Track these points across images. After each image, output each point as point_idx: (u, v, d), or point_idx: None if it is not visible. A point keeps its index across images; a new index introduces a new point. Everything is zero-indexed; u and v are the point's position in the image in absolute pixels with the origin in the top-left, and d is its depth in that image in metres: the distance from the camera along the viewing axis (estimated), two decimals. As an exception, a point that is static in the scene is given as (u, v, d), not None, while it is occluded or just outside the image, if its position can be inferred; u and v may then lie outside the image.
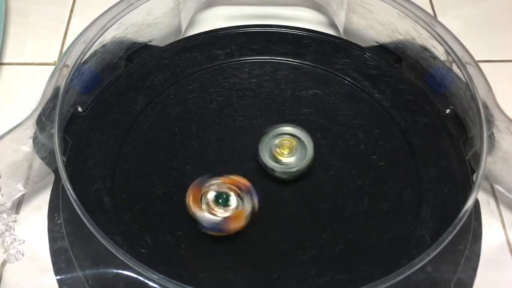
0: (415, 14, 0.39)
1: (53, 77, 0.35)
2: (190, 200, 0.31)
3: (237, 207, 0.31)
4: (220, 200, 0.31)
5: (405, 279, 0.28)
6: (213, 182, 0.32)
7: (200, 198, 0.31)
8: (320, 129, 0.37)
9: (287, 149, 0.34)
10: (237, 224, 0.31)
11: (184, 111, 0.38)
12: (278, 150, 0.34)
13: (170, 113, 0.38)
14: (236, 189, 0.32)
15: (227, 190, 0.32)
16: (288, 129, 0.35)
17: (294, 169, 0.33)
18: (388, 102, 0.38)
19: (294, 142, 0.34)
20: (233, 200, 0.31)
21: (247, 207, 0.31)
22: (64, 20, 0.46)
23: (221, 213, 0.31)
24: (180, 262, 0.31)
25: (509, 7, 0.48)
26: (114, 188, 0.33)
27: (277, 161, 0.34)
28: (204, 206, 0.31)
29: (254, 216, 0.31)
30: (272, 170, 0.33)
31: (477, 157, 0.33)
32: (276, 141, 0.34)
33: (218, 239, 0.32)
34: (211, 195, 0.31)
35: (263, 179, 0.34)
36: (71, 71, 0.35)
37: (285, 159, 0.34)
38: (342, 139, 0.36)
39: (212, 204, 0.31)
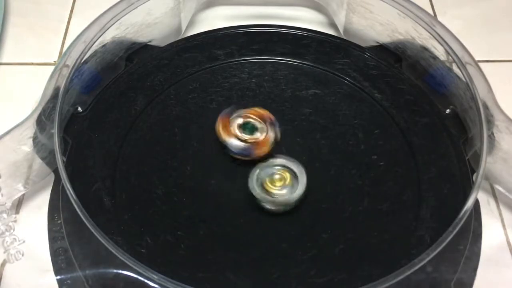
0: (415, 14, 0.39)
1: (53, 77, 0.35)
2: (220, 128, 0.34)
3: (262, 135, 0.34)
4: (247, 128, 0.34)
5: (405, 279, 0.28)
6: (239, 112, 0.34)
7: (228, 126, 0.34)
8: (320, 129, 0.37)
9: (279, 182, 0.33)
10: (263, 150, 0.33)
11: (184, 111, 0.38)
12: (269, 182, 0.33)
13: (170, 113, 0.38)
14: (260, 119, 0.34)
15: (253, 120, 0.34)
16: (281, 161, 0.34)
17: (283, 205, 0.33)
18: (388, 102, 0.38)
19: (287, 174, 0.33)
20: (259, 128, 0.34)
21: (271, 135, 0.34)
22: (64, 20, 0.46)
23: (247, 140, 0.33)
24: (180, 262, 0.31)
25: (509, 7, 0.48)
26: (114, 188, 0.33)
27: (268, 193, 0.33)
28: (232, 133, 0.34)
29: (276, 144, 0.34)
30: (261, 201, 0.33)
31: (477, 157, 0.33)
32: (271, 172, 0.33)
33: (218, 239, 0.32)
34: (239, 123, 0.34)
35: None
36: (71, 71, 0.35)
37: (276, 191, 0.33)
38: (342, 139, 0.36)
39: (240, 132, 0.34)
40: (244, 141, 0.33)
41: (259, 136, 0.34)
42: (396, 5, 0.39)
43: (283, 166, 0.33)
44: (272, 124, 0.34)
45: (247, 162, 0.34)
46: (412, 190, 0.34)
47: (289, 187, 0.33)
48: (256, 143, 0.33)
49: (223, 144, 0.34)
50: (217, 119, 0.34)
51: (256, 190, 0.32)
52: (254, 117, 0.34)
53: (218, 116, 0.34)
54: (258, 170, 0.33)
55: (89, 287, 0.29)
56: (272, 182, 0.33)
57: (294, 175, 0.33)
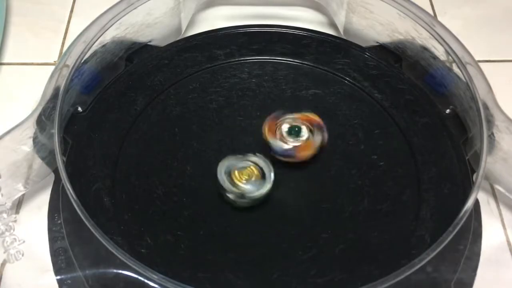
0: (415, 14, 0.39)
1: (53, 77, 0.35)
2: (266, 130, 0.34)
3: (307, 139, 0.34)
4: (292, 132, 0.34)
5: (405, 279, 0.28)
6: (288, 116, 0.35)
7: (275, 129, 0.34)
8: (320, 129, 0.37)
9: (246, 176, 0.33)
10: (306, 153, 0.34)
11: (184, 111, 0.38)
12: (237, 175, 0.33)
13: (170, 113, 0.38)
14: (308, 124, 0.34)
15: (299, 124, 0.34)
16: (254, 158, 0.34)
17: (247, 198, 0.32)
18: (388, 102, 0.38)
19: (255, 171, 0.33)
20: (305, 132, 0.34)
21: (317, 139, 0.34)
22: (64, 20, 0.46)
23: (292, 143, 0.34)
24: (180, 262, 0.31)
25: (509, 7, 0.48)
26: (114, 188, 0.33)
27: (232, 184, 0.32)
28: (278, 136, 0.34)
29: (322, 148, 0.34)
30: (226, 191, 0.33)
31: (477, 157, 0.33)
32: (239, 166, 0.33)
33: (218, 239, 0.32)
34: (285, 127, 0.34)
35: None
36: (71, 71, 0.35)
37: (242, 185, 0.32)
38: (342, 139, 0.36)
39: (285, 135, 0.34)
40: (287, 143, 0.34)
41: (304, 140, 0.34)
42: (396, 5, 0.39)
43: (255, 163, 0.33)
44: (320, 128, 0.34)
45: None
46: (412, 190, 0.34)
47: (254, 184, 0.32)
48: (299, 146, 0.34)
49: (268, 146, 0.34)
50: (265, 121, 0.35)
51: (223, 179, 0.32)
52: (302, 120, 0.34)
53: (267, 118, 0.35)
54: (228, 161, 0.33)
55: (89, 287, 0.29)
56: (240, 174, 0.32)
57: (262, 174, 0.33)
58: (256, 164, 0.33)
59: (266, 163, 0.33)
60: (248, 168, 0.33)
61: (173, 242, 0.32)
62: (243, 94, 0.39)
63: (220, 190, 0.33)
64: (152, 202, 0.33)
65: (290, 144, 0.34)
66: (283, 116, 0.35)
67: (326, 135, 0.34)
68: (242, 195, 0.32)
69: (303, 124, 0.34)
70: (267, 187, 0.32)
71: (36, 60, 0.43)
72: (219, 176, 0.32)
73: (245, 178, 0.32)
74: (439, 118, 0.37)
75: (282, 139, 0.34)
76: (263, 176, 0.33)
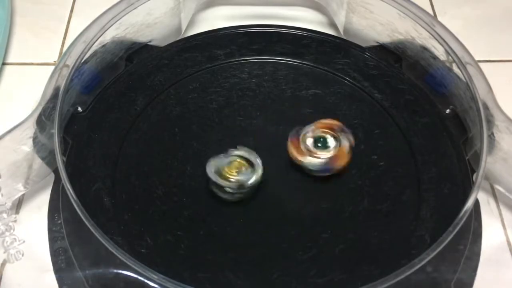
0: (415, 14, 0.39)
1: (53, 77, 0.35)
2: (292, 150, 0.33)
3: (336, 146, 0.33)
4: (319, 144, 0.33)
5: (405, 279, 0.28)
6: (308, 129, 0.34)
7: (300, 146, 0.33)
8: (320, 129, 0.37)
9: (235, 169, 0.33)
10: (342, 162, 0.33)
11: (184, 111, 0.38)
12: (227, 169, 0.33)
13: (170, 113, 0.38)
14: (329, 130, 0.33)
15: (322, 134, 0.33)
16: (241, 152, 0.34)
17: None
18: (388, 102, 0.38)
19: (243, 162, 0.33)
20: (331, 141, 0.33)
21: (345, 144, 0.33)
22: (64, 20, 0.46)
23: (323, 155, 0.33)
24: (180, 262, 0.31)
25: (509, 7, 0.48)
26: (114, 188, 0.33)
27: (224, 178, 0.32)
28: (306, 153, 0.33)
29: (352, 150, 0.33)
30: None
31: (477, 157, 0.33)
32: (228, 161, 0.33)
33: (218, 239, 0.32)
34: (309, 141, 0.33)
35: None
36: (71, 71, 0.35)
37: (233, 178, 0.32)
38: (342, 139, 0.36)
39: (312, 149, 0.33)
40: (320, 157, 0.33)
41: (333, 148, 0.33)
42: (396, 5, 0.39)
43: (239, 156, 0.33)
44: (343, 131, 0.33)
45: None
46: (412, 190, 0.34)
47: (246, 173, 0.32)
48: (334, 157, 0.33)
49: (301, 166, 0.33)
50: (287, 142, 0.33)
51: (215, 177, 0.32)
52: (324, 129, 0.34)
53: (288, 138, 0.33)
54: (214, 162, 0.33)
55: (89, 287, 0.29)
56: (229, 169, 0.32)
57: (251, 165, 0.33)
58: (240, 156, 0.33)
59: (249, 152, 0.33)
60: (235, 162, 0.33)
61: (173, 242, 0.32)
62: (243, 94, 0.39)
63: (214, 189, 0.33)
64: (152, 202, 0.33)
65: (322, 157, 0.33)
66: (302, 131, 0.34)
67: (351, 136, 0.34)
68: (241, 186, 0.32)
69: (325, 133, 0.33)
70: (259, 172, 0.32)
71: (36, 60, 0.43)
72: (211, 176, 0.32)
73: (235, 171, 0.32)
74: (439, 118, 0.37)
75: (311, 154, 0.33)
76: (251, 165, 0.33)
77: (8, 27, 0.44)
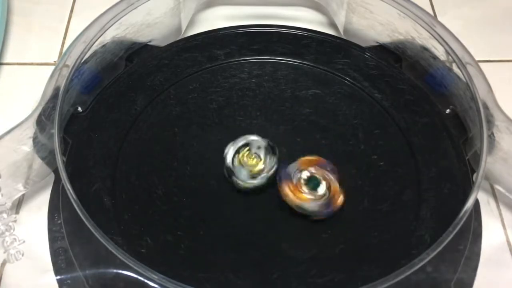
0: (415, 14, 0.39)
1: (53, 77, 0.35)
2: (290, 194, 0.32)
3: (329, 185, 0.32)
4: (311, 185, 0.32)
5: (405, 279, 0.28)
6: (295, 168, 0.33)
7: (298, 190, 0.32)
8: (320, 129, 0.37)
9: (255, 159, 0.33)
10: (340, 198, 0.32)
11: (184, 111, 0.38)
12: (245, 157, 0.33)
13: (170, 113, 0.38)
14: (313, 169, 0.33)
15: (311, 174, 0.33)
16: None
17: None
18: (388, 102, 0.38)
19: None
20: (322, 182, 0.33)
21: (334, 177, 0.33)
22: (64, 20, 0.46)
23: (321, 196, 0.32)
24: (180, 262, 0.31)
25: (509, 7, 0.48)
26: (114, 188, 0.33)
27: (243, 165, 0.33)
28: (305, 197, 0.32)
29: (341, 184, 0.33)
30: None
31: (477, 157, 0.33)
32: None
33: (218, 239, 0.32)
34: (302, 183, 0.32)
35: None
36: (71, 71, 0.35)
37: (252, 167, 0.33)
38: (342, 139, 0.36)
39: (309, 192, 0.32)
40: (320, 198, 0.32)
41: (326, 188, 0.32)
42: (396, 5, 0.39)
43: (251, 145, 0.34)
44: (325, 166, 0.33)
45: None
46: (412, 190, 0.34)
47: (271, 159, 0.33)
48: (331, 197, 0.32)
49: (296, 207, 0.32)
50: (280, 184, 0.32)
51: (231, 161, 0.33)
52: (307, 167, 0.33)
53: (279, 181, 0.32)
54: (234, 146, 0.34)
55: (89, 287, 0.29)
56: (249, 156, 0.33)
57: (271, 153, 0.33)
58: (253, 146, 0.34)
59: (263, 141, 0.34)
60: (256, 152, 0.33)
61: (173, 242, 0.32)
62: (243, 94, 0.39)
63: (229, 170, 0.33)
64: (152, 202, 0.33)
65: (321, 198, 0.32)
66: (290, 171, 0.33)
67: (335, 168, 0.33)
68: (271, 169, 0.33)
69: (311, 172, 0.33)
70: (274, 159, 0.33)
71: (36, 60, 0.43)
72: (228, 162, 0.33)
73: (255, 161, 0.33)
74: (439, 118, 0.37)
75: (311, 198, 0.32)
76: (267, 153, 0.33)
77: (4, 25, 0.44)
